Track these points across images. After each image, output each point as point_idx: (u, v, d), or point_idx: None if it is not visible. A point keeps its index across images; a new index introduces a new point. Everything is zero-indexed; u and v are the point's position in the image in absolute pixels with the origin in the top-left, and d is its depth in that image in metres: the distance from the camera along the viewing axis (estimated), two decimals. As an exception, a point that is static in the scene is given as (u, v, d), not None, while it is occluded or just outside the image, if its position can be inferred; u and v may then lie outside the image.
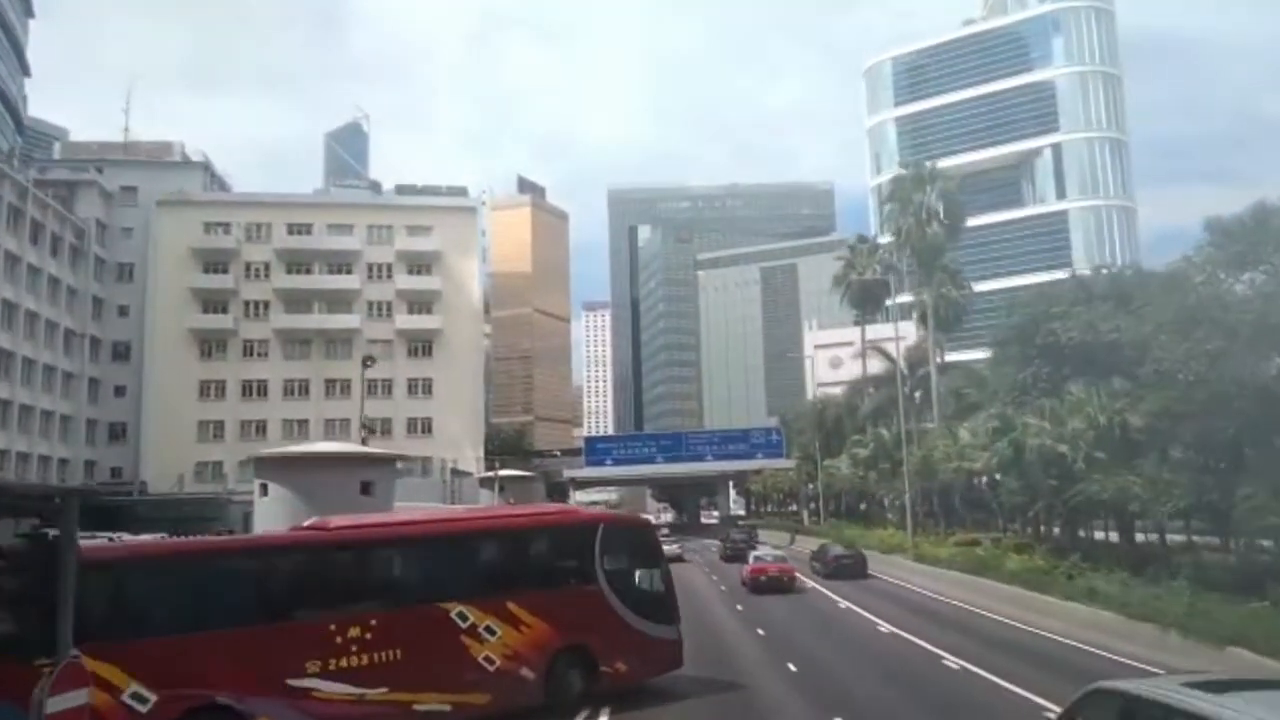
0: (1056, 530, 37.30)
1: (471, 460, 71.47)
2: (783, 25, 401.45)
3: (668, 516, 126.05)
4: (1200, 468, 26.37)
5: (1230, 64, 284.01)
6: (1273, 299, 24.11)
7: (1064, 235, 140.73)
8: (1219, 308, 25.00)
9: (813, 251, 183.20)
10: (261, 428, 75.05)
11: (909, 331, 59.83)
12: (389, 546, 15.24)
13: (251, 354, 77.18)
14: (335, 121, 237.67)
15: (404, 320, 79.27)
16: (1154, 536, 32.24)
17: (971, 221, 63.27)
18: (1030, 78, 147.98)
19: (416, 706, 13.69)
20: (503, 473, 46.78)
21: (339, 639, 13.13)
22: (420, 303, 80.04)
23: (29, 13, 76.96)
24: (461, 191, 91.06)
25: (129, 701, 11.19)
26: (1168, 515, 25.85)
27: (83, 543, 10.48)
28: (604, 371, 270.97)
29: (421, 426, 77.57)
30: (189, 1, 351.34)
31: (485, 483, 46.95)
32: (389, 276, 79.86)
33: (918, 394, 52.62)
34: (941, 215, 46.67)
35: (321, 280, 78.88)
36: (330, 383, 76.81)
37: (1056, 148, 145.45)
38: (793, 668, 19.02)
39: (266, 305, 77.72)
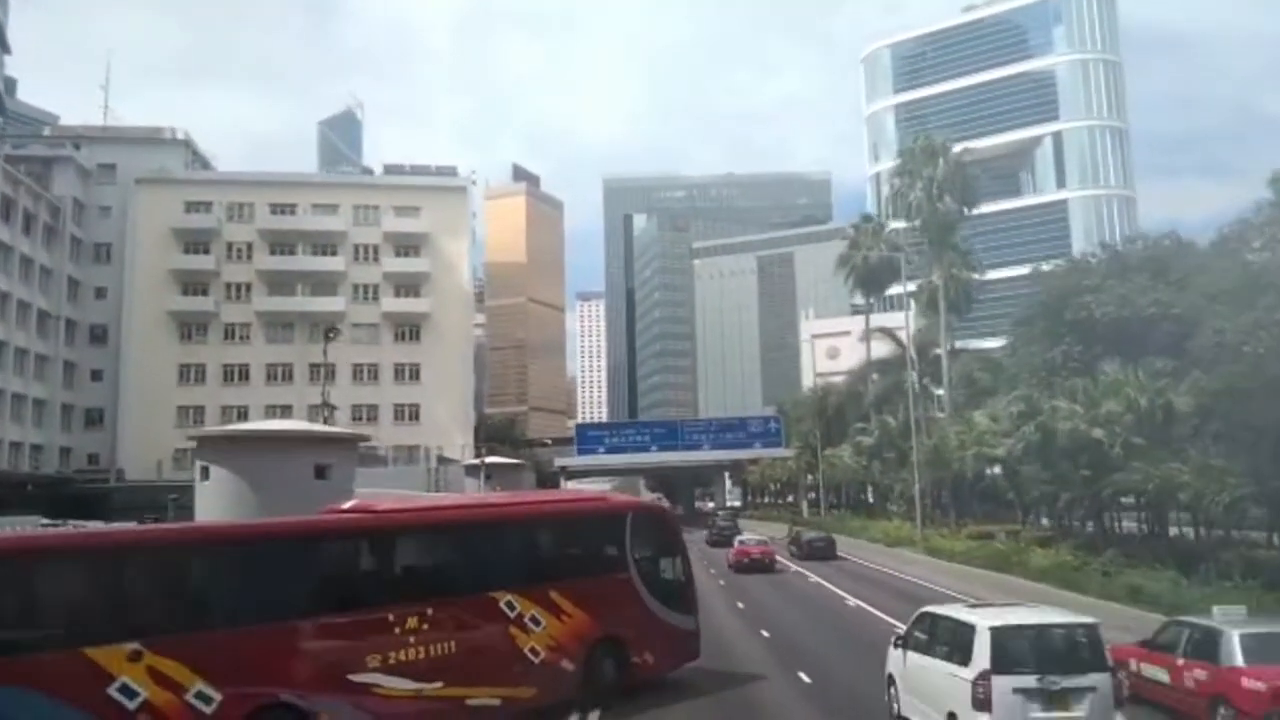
0: (1078, 523, 34.92)
1: (460, 448, 69.16)
2: (777, 17, 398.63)
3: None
4: (1259, 451, 23.59)
5: (1227, 58, 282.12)
6: None
7: (1064, 225, 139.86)
8: None
9: (810, 240, 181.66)
10: (243, 413, 72.22)
11: (907, 320, 57.18)
12: (445, 531, 14.48)
13: (233, 337, 74.88)
14: (329, 112, 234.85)
15: (391, 303, 76.96)
16: (1187, 530, 29.83)
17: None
18: (1031, 65, 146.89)
19: (469, 701, 12.98)
20: (489, 460, 44.38)
21: (397, 630, 12.31)
22: (408, 285, 77.75)
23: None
24: (451, 172, 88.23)
25: (193, 701, 10.19)
26: (1223, 507, 23.36)
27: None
28: (598, 362, 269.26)
29: (409, 413, 75.55)
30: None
31: (471, 471, 44.50)
32: (376, 258, 77.53)
33: (925, 380, 50.22)
34: (951, 192, 44.10)
35: (306, 262, 76.43)
36: (314, 367, 74.13)
37: (1057, 136, 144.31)
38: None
39: (249, 287, 75.37)
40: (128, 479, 67.00)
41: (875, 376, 58.52)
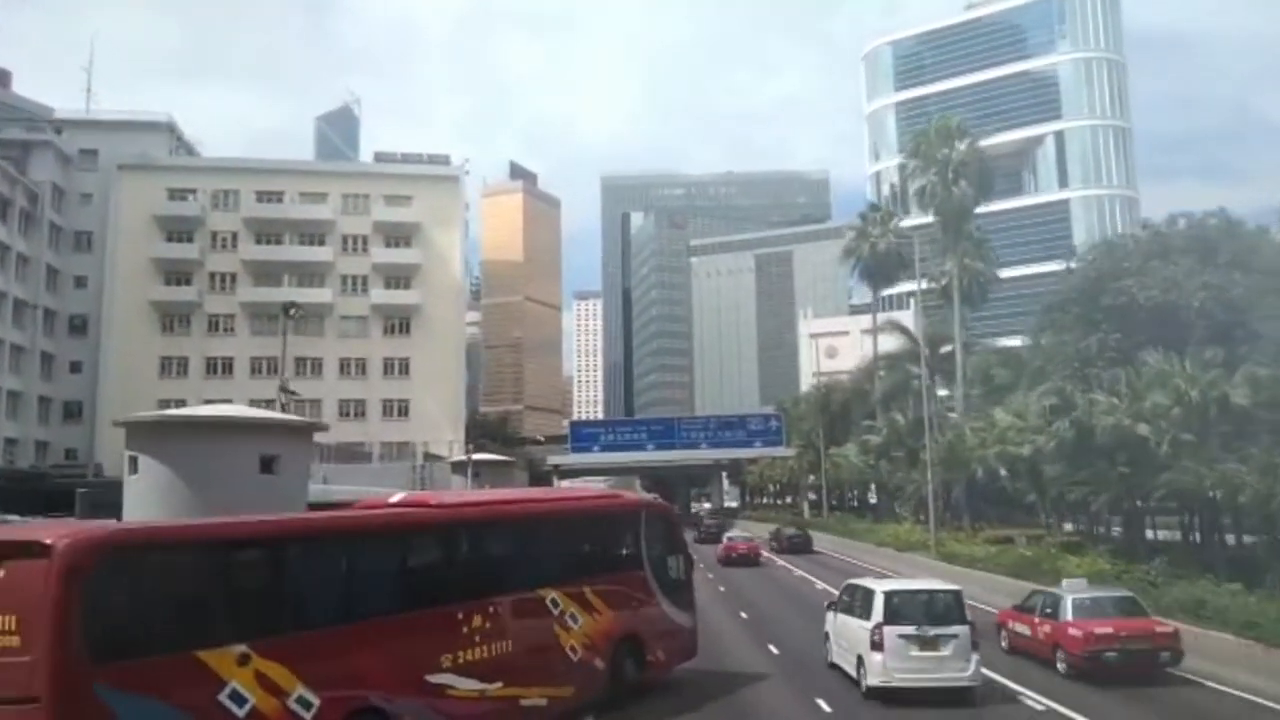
0: (1103, 528, 32.53)
1: (449, 445, 66.86)
2: (777, 17, 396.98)
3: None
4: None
5: (1226, 59, 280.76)
6: None
7: (1066, 225, 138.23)
8: None
9: (809, 239, 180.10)
10: (226, 408, 70.25)
11: (918, 311, 55.02)
12: (502, 526, 14.08)
13: (216, 329, 72.43)
14: (326, 109, 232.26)
15: (380, 295, 74.53)
16: (1228, 537, 27.44)
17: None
18: (1033, 63, 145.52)
19: (523, 702, 12.60)
20: (477, 457, 42.09)
21: (464, 629, 11.89)
22: (398, 277, 75.40)
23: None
24: (444, 161, 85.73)
25: (294, 707, 9.45)
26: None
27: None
28: (594, 361, 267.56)
29: (398, 409, 73.30)
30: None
31: (458, 468, 42.23)
32: (365, 249, 75.10)
33: (935, 377, 47.83)
34: (967, 176, 41.74)
35: (292, 251, 74.04)
36: (301, 361, 72.14)
37: (1059, 135, 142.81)
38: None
39: (233, 277, 72.98)
40: (106, 474, 64.59)
41: (882, 372, 56.17)
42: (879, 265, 54.84)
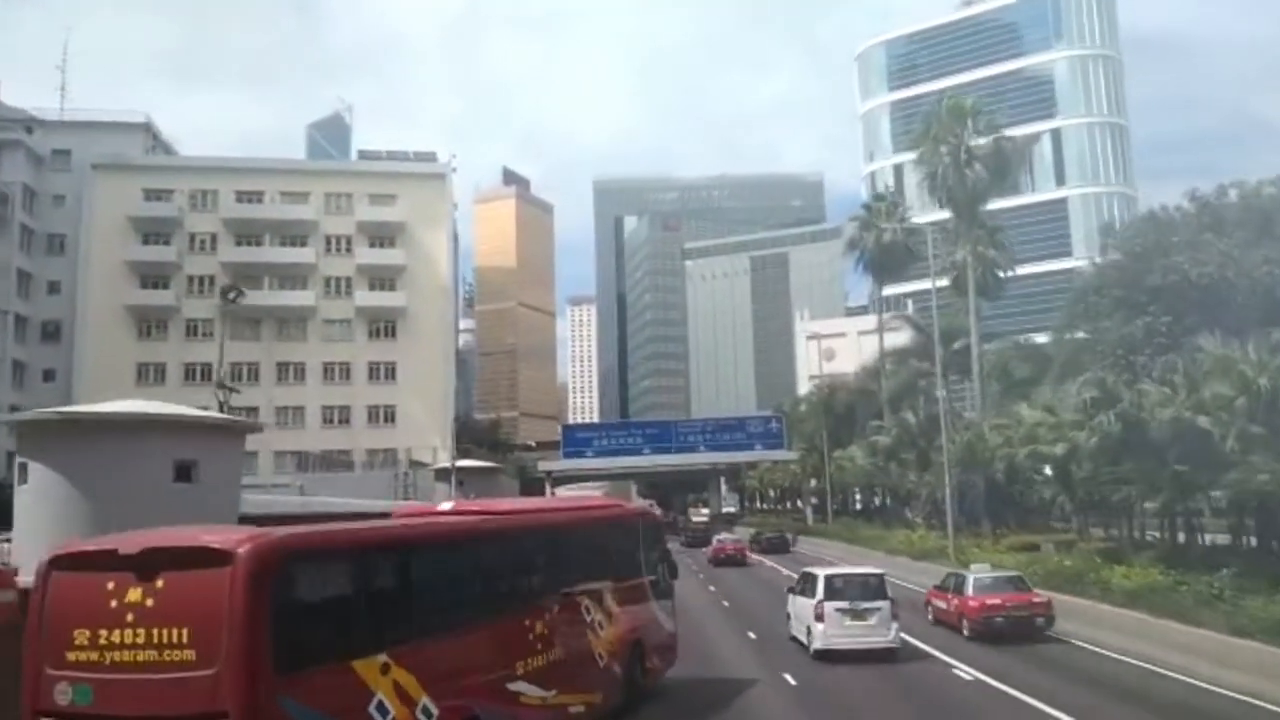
0: (1138, 533, 29.90)
1: (436, 452, 64.33)
2: (770, 20, 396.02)
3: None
4: None
5: (1223, 61, 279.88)
6: None
7: (1064, 223, 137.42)
8: None
9: (804, 241, 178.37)
10: (205, 416, 67.60)
11: (933, 302, 52.57)
12: (553, 533, 14.05)
13: (195, 334, 69.50)
14: (316, 115, 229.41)
15: (365, 297, 71.84)
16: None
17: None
18: (1028, 61, 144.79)
19: (571, 709, 12.58)
20: (461, 463, 39.51)
21: (531, 635, 11.92)
22: (383, 278, 72.74)
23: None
24: (430, 158, 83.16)
25: (420, 717, 9.27)
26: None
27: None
28: (589, 367, 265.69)
29: (384, 415, 70.67)
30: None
31: (441, 475, 39.66)
32: (348, 250, 72.45)
33: (949, 375, 45.31)
34: (981, 159, 39.21)
35: (273, 253, 71.41)
36: (282, 366, 69.94)
37: (1056, 133, 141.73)
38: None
39: (212, 280, 69.84)
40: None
41: (889, 369, 53.68)
42: (885, 258, 52.36)
